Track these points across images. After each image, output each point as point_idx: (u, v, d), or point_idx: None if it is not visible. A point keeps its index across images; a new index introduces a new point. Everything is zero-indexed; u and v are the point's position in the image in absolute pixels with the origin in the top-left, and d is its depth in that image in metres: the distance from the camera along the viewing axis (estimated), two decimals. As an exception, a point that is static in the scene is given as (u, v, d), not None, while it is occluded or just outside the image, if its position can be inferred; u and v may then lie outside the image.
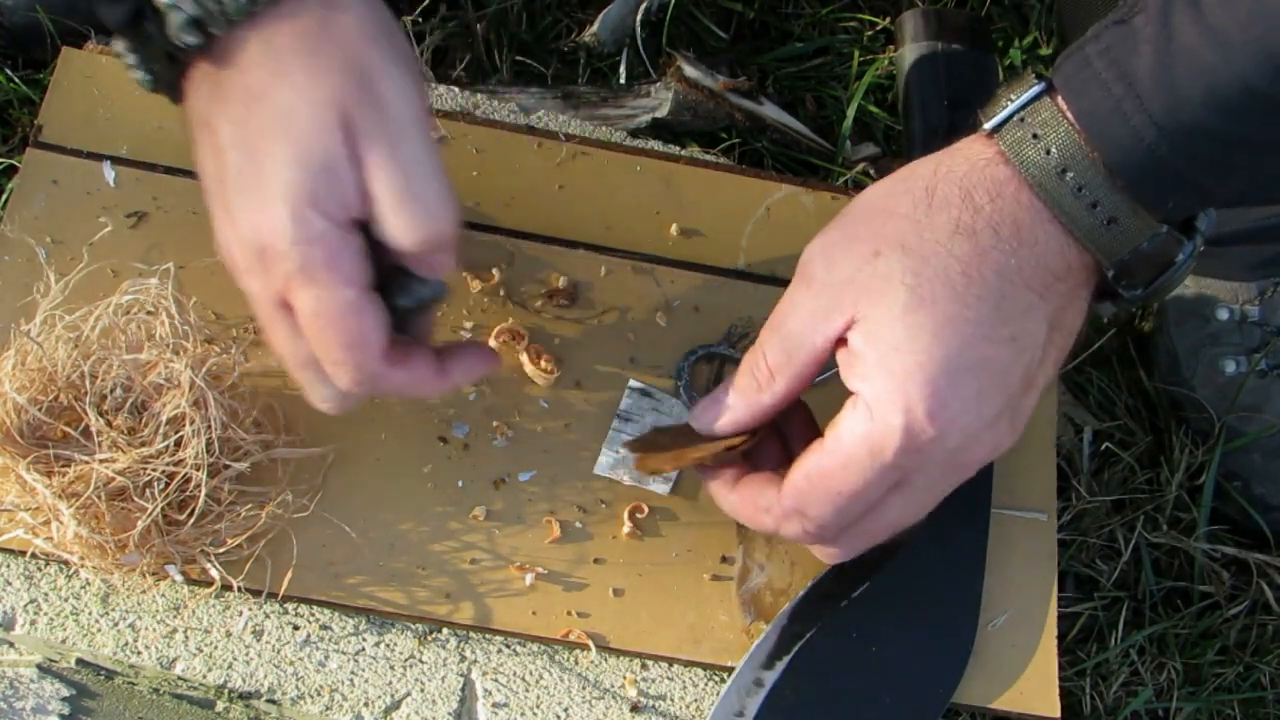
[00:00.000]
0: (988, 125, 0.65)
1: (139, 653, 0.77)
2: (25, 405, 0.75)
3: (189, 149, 0.67)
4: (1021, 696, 0.82)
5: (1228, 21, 0.58)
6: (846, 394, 0.66)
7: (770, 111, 1.05)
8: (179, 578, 0.77)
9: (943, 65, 1.00)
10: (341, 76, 0.62)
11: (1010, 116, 0.64)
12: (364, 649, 0.79)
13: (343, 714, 0.77)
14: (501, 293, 0.88)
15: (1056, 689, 0.83)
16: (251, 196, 0.63)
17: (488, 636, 0.80)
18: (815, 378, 0.69)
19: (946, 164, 0.66)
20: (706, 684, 0.81)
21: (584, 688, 0.80)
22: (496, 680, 0.79)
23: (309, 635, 0.79)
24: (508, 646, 0.81)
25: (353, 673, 0.78)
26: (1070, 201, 0.63)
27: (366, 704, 0.77)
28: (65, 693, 0.78)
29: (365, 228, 0.64)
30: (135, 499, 0.74)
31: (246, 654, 0.78)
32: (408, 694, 0.78)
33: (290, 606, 0.79)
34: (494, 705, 0.79)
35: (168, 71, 0.65)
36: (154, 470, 0.74)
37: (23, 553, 0.78)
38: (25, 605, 0.77)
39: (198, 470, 0.75)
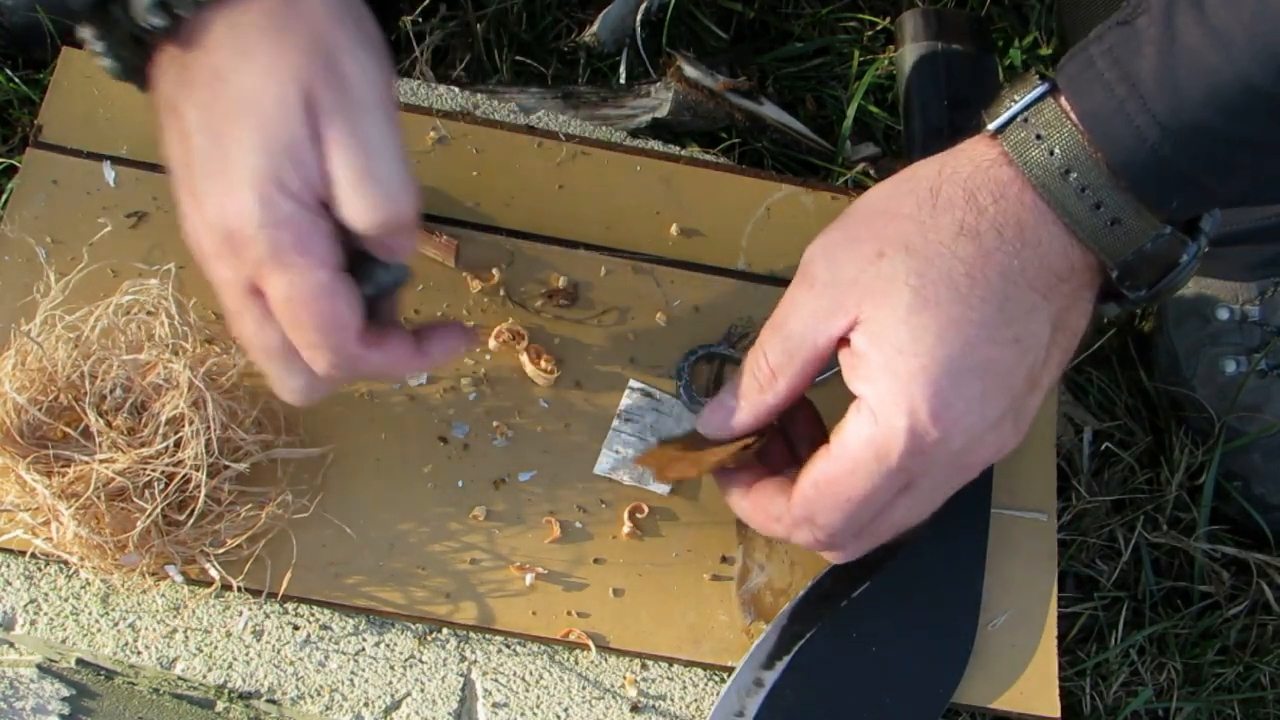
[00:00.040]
0: (991, 126, 0.65)
1: (139, 653, 0.77)
2: (25, 405, 0.75)
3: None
4: (1021, 696, 0.82)
5: (1230, 22, 0.58)
6: (848, 392, 0.66)
7: (770, 111, 1.05)
8: (179, 578, 0.77)
9: (943, 65, 1.00)
10: (306, 56, 0.61)
11: (1014, 117, 0.64)
12: (364, 649, 0.79)
13: (343, 714, 0.77)
14: (501, 293, 0.88)
15: (1056, 689, 0.83)
16: (218, 181, 0.62)
17: (488, 636, 0.80)
18: (817, 377, 0.69)
19: (951, 165, 0.66)
20: (706, 684, 0.81)
21: (584, 688, 0.80)
22: (496, 680, 0.79)
23: (309, 635, 0.79)
24: (508, 646, 0.80)
25: (353, 673, 0.78)
26: (1074, 202, 0.63)
27: (366, 704, 0.77)
28: (65, 693, 0.78)
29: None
30: (135, 499, 0.74)
31: (246, 654, 0.78)
32: (408, 694, 0.78)
33: (290, 606, 0.79)
34: (494, 705, 0.79)
35: (135, 57, 0.65)
36: (153, 470, 0.74)
37: (23, 553, 0.78)
38: (25, 605, 0.77)
39: (197, 470, 0.75)
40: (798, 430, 0.75)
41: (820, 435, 0.69)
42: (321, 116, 0.61)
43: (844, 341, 0.66)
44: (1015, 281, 0.64)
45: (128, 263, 0.84)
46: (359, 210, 0.62)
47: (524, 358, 0.86)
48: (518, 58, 1.06)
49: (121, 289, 0.79)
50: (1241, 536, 1.01)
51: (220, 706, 0.78)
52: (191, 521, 0.75)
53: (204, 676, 0.77)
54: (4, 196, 0.90)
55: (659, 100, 1.02)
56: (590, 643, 0.80)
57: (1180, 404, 1.03)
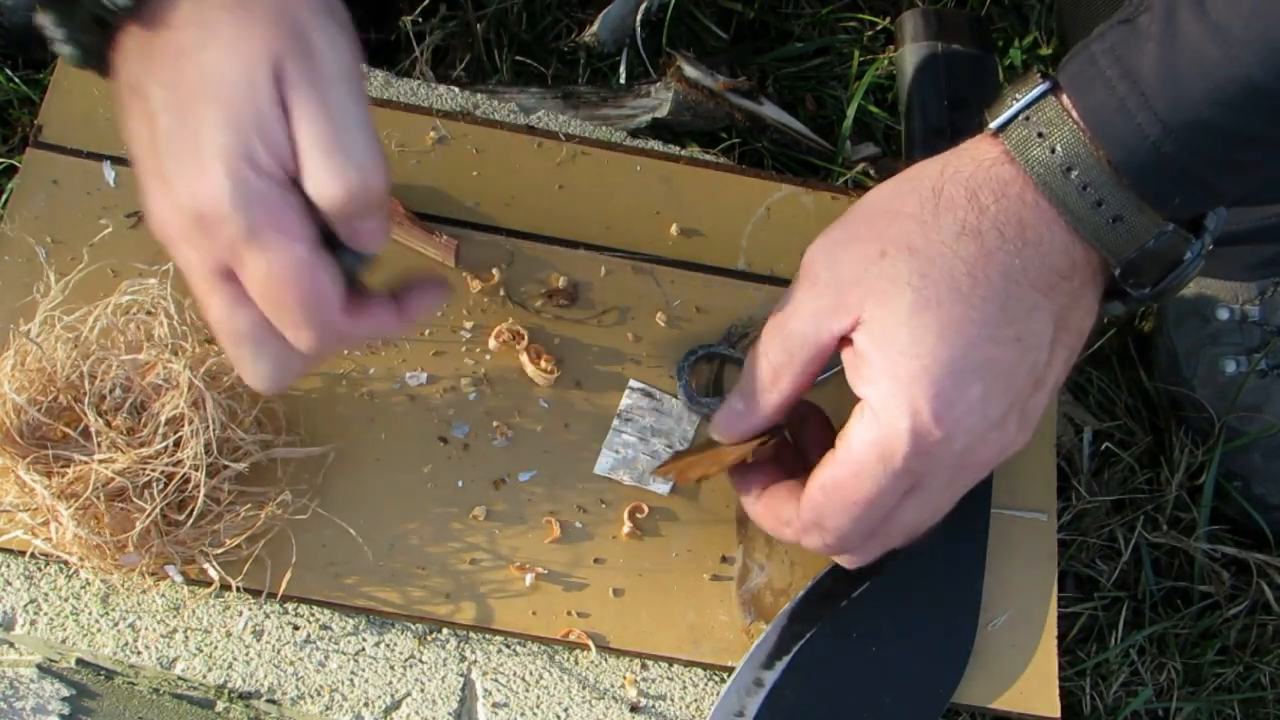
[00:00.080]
0: (993, 124, 0.65)
1: (139, 653, 0.76)
2: (25, 406, 0.75)
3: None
4: (1021, 696, 0.82)
5: (1231, 18, 0.58)
6: (849, 392, 0.66)
7: (770, 111, 1.05)
8: (178, 578, 0.77)
9: (943, 65, 1.00)
10: (273, 28, 0.60)
11: (1015, 115, 0.64)
12: (364, 649, 0.79)
13: (343, 714, 0.77)
14: (501, 293, 0.88)
15: (1056, 689, 0.83)
16: (186, 161, 0.60)
17: (488, 636, 0.80)
18: (819, 375, 0.69)
19: (953, 164, 0.66)
20: (706, 684, 0.81)
21: (584, 688, 0.80)
22: (496, 680, 0.79)
23: (309, 635, 0.79)
24: (508, 646, 0.80)
25: (353, 673, 0.78)
26: (1075, 200, 0.63)
27: (366, 704, 0.77)
28: (65, 693, 0.78)
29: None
30: (134, 499, 0.74)
31: (246, 654, 0.78)
32: (408, 694, 0.78)
33: (290, 606, 0.79)
34: (494, 705, 0.78)
35: (97, 40, 0.63)
36: (153, 470, 0.74)
37: (23, 553, 0.77)
38: (25, 605, 0.77)
39: (196, 470, 0.74)
40: (809, 436, 0.75)
41: (831, 441, 0.69)
42: (289, 89, 0.60)
43: (846, 341, 0.66)
44: (1017, 280, 0.64)
45: (127, 263, 0.84)
46: (326, 181, 0.60)
47: (524, 358, 0.85)
48: (518, 58, 1.06)
49: (120, 289, 0.79)
50: (1241, 536, 1.01)
51: (220, 706, 0.78)
52: (191, 521, 0.75)
53: (204, 676, 0.76)
54: (4, 196, 0.90)
55: (659, 100, 1.02)
56: (590, 643, 0.80)
57: (1180, 404, 1.03)
